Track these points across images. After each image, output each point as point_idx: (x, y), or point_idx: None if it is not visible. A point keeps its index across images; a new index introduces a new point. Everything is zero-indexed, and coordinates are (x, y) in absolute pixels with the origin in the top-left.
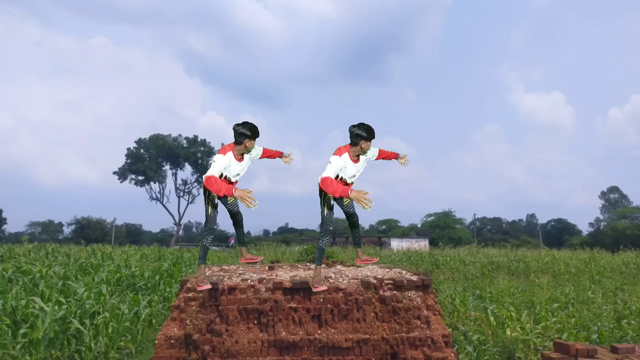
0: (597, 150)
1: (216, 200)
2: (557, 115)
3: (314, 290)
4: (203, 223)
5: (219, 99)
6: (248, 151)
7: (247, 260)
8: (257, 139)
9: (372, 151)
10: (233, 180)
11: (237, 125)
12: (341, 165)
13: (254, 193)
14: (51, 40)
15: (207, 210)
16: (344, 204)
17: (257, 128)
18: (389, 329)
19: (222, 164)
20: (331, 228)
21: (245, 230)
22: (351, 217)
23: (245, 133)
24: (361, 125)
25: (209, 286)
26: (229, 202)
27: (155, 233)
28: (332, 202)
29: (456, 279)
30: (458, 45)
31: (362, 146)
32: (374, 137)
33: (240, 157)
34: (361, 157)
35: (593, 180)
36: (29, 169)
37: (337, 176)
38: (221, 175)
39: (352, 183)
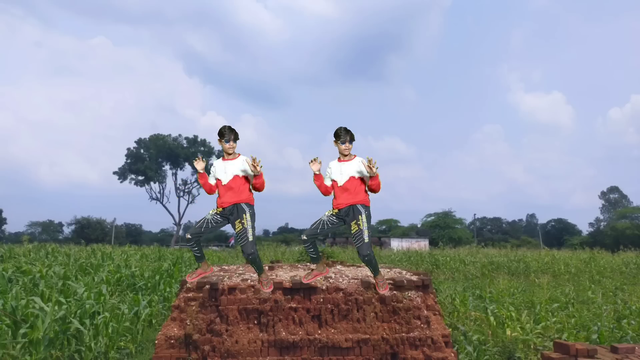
0: (597, 150)
1: (210, 215)
2: (557, 115)
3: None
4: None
5: (219, 99)
6: (228, 153)
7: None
8: (230, 140)
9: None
10: (220, 177)
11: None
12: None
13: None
14: (51, 40)
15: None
16: (352, 231)
17: (224, 128)
18: (389, 329)
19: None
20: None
21: None
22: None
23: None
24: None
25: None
26: (235, 230)
27: (155, 233)
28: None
29: (456, 279)
30: (458, 45)
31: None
32: (337, 139)
33: (228, 157)
34: (351, 161)
35: (593, 180)
36: (29, 169)
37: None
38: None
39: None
